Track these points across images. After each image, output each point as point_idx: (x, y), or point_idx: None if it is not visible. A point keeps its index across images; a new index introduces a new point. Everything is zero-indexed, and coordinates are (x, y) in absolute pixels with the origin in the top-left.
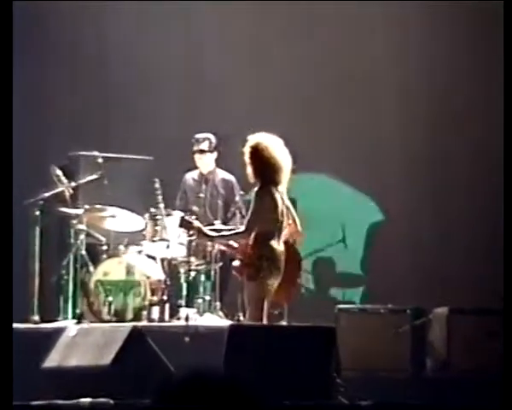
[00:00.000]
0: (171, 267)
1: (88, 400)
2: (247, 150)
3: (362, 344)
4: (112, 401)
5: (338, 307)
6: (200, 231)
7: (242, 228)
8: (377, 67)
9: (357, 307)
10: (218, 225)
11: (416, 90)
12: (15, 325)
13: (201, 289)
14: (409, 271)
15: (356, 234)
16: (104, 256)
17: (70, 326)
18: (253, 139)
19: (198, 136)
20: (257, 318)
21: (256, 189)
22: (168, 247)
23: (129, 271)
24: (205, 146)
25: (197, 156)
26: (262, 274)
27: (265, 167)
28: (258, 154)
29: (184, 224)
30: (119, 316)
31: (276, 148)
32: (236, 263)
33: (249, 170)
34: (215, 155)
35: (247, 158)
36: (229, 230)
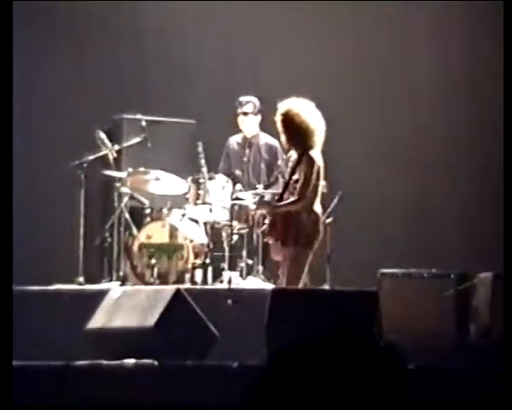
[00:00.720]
0: (213, 231)
1: (132, 361)
2: (278, 119)
3: (405, 309)
4: (156, 362)
5: (381, 271)
6: (268, 204)
7: (296, 196)
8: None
9: (401, 272)
10: (260, 189)
11: (455, 87)
12: (60, 286)
13: (244, 253)
14: (453, 235)
15: (397, 200)
16: (147, 219)
17: (114, 288)
18: (282, 107)
19: (241, 98)
20: (297, 282)
21: (302, 156)
22: (211, 210)
23: (172, 234)
24: (248, 109)
25: (240, 119)
26: (311, 239)
27: (299, 133)
28: (289, 121)
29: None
30: (163, 279)
31: (308, 111)
32: (274, 229)
33: (283, 138)
34: (259, 118)
35: (279, 126)
36: (274, 194)
